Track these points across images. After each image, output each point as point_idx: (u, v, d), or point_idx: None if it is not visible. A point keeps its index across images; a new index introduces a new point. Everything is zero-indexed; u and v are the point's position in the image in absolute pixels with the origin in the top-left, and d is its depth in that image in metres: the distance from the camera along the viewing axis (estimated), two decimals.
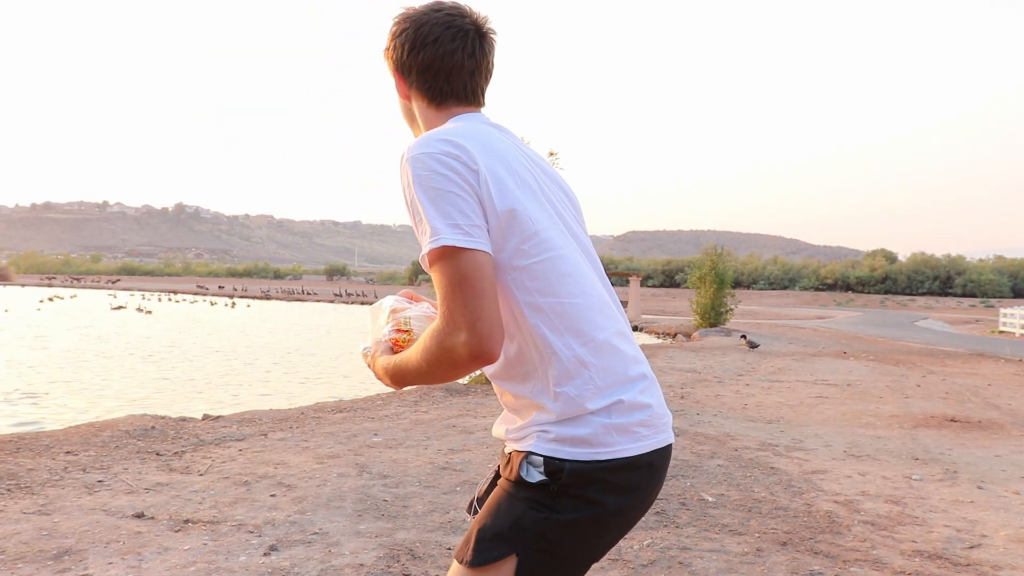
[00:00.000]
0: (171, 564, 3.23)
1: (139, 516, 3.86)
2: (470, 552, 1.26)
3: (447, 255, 1.18)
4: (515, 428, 1.30)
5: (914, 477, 5.16)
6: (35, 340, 19.55)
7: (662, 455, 1.32)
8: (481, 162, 1.24)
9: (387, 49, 1.43)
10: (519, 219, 1.25)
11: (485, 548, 1.24)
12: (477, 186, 1.23)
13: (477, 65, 1.40)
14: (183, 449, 5.51)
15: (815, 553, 3.59)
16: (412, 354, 1.27)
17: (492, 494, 1.32)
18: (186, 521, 3.81)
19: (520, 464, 1.25)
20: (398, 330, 1.39)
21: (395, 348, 1.38)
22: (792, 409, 8.27)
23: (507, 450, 1.33)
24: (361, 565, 3.27)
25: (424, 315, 1.42)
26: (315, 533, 3.67)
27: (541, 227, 1.27)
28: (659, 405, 1.33)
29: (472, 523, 1.31)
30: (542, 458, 1.23)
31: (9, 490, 4.28)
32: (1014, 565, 3.49)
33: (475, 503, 1.42)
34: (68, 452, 5.24)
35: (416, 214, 1.23)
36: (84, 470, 4.79)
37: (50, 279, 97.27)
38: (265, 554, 3.37)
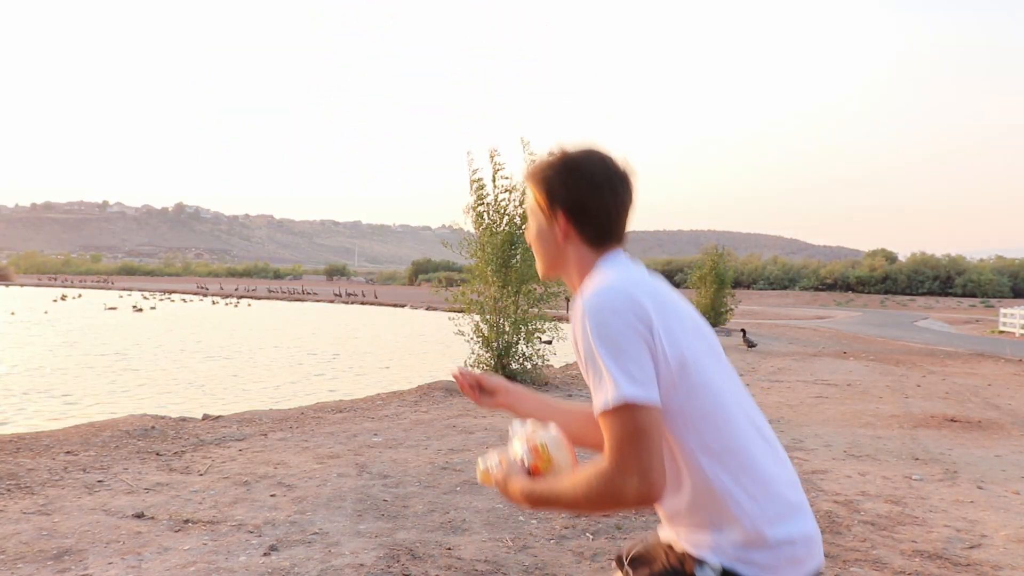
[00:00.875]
0: (171, 564, 3.23)
1: (139, 516, 3.86)
2: None
3: (625, 408, 1.26)
4: (688, 538, 1.38)
5: (914, 477, 5.16)
6: (62, 342, 19.57)
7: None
8: (653, 314, 1.31)
9: (551, 188, 1.45)
10: (688, 367, 1.32)
11: None
12: (651, 338, 1.29)
13: (633, 207, 1.48)
14: (183, 449, 5.51)
15: None
16: (568, 487, 1.35)
17: (660, 572, 1.40)
18: (186, 521, 3.81)
19: (695, 565, 1.34)
20: (537, 454, 1.44)
21: (533, 472, 1.44)
22: (792, 409, 8.27)
23: (677, 547, 1.40)
24: (361, 565, 3.27)
25: (558, 441, 1.46)
26: (315, 533, 3.68)
27: (708, 374, 1.35)
28: (817, 529, 1.41)
29: None
30: (720, 567, 1.32)
31: (9, 490, 4.28)
32: (1014, 565, 3.49)
33: (625, 560, 1.51)
34: (68, 452, 5.24)
35: (592, 363, 1.29)
36: (84, 470, 4.79)
37: (52, 279, 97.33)
38: (265, 554, 3.37)
